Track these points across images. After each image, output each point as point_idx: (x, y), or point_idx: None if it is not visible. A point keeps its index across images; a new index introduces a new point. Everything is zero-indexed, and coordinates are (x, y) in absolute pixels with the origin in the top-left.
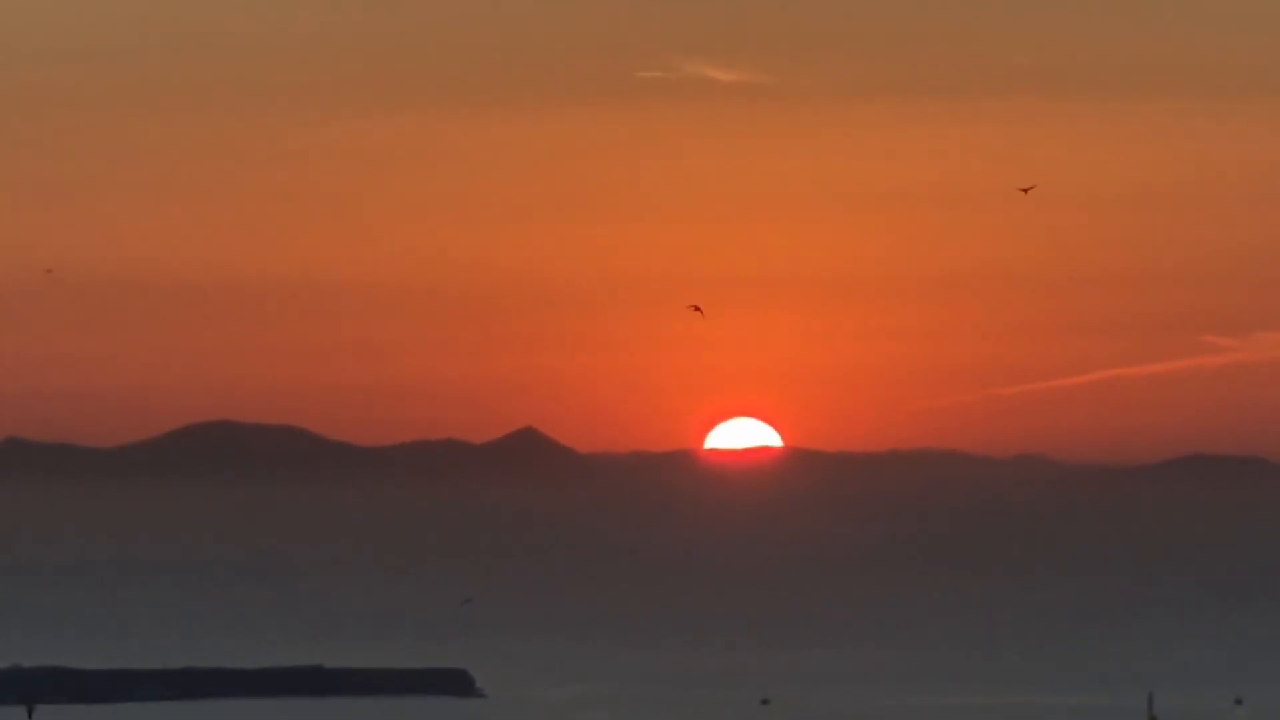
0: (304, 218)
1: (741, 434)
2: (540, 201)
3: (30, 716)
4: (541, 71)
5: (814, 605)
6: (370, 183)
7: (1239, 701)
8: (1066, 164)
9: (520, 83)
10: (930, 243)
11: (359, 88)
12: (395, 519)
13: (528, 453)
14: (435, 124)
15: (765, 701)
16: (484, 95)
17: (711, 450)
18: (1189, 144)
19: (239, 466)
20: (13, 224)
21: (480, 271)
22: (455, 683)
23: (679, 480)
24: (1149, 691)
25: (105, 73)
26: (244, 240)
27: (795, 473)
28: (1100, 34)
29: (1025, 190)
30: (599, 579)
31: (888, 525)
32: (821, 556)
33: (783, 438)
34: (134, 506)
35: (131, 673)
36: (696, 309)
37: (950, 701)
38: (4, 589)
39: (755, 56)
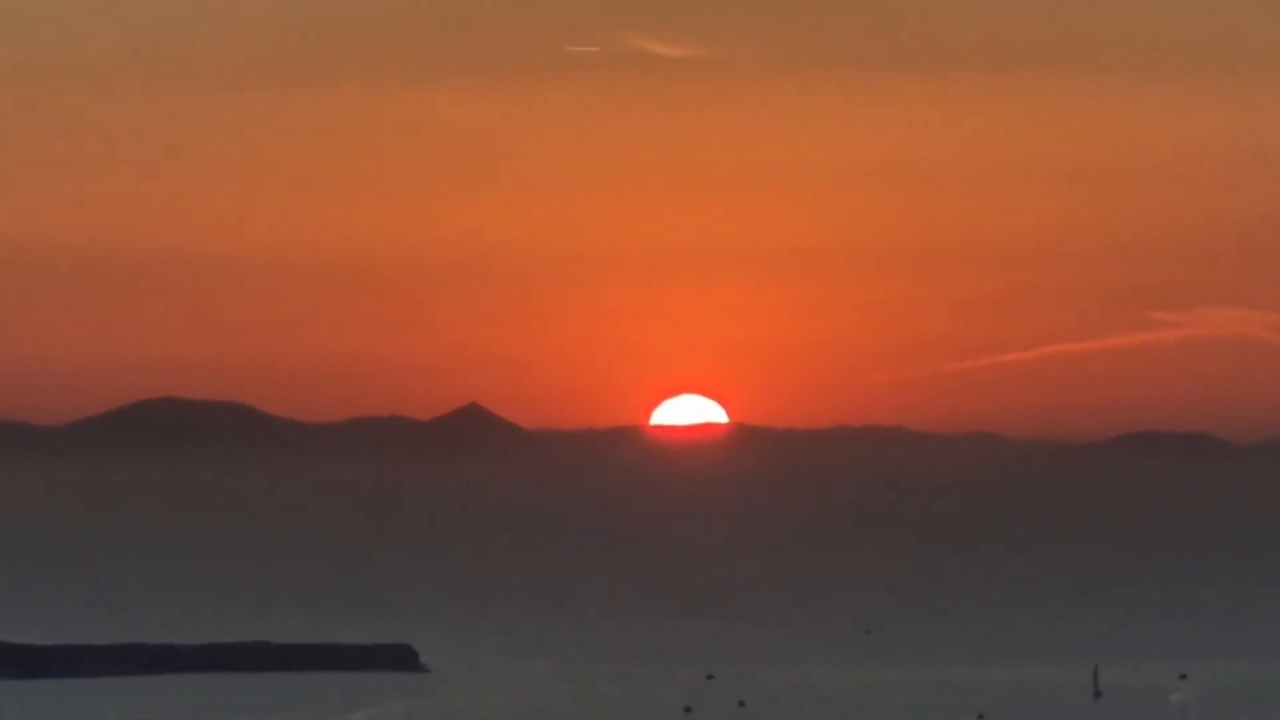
0: (249, 194)
1: (687, 410)
2: (482, 178)
3: None
4: (470, 45)
5: (759, 581)
6: (310, 159)
7: (1184, 676)
8: (1014, 139)
9: (452, 56)
10: (878, 218)
11: (291, 62)
12: (340, 495)
13: (473, 429)
14: (369, 99)
15: (710, 676)
16: (414, 69)
17: (657, 426)
18: (1135, 120)
19: (184, 442)
20: None
21: (424, 248)
22: (400, 658)
23: (624, 456)
24: (1094, 665)
25: (24, 49)
26: (187, 216)
27: (741, 449)
28: (1048, 8)
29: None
30: (543, 555)
31: (835, 502)
32: (767, 533)
33: (728, 414)
34: (80, 483)
35: (76, 648)
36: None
37: (895, 676)
38: None
39: (699, 30)
